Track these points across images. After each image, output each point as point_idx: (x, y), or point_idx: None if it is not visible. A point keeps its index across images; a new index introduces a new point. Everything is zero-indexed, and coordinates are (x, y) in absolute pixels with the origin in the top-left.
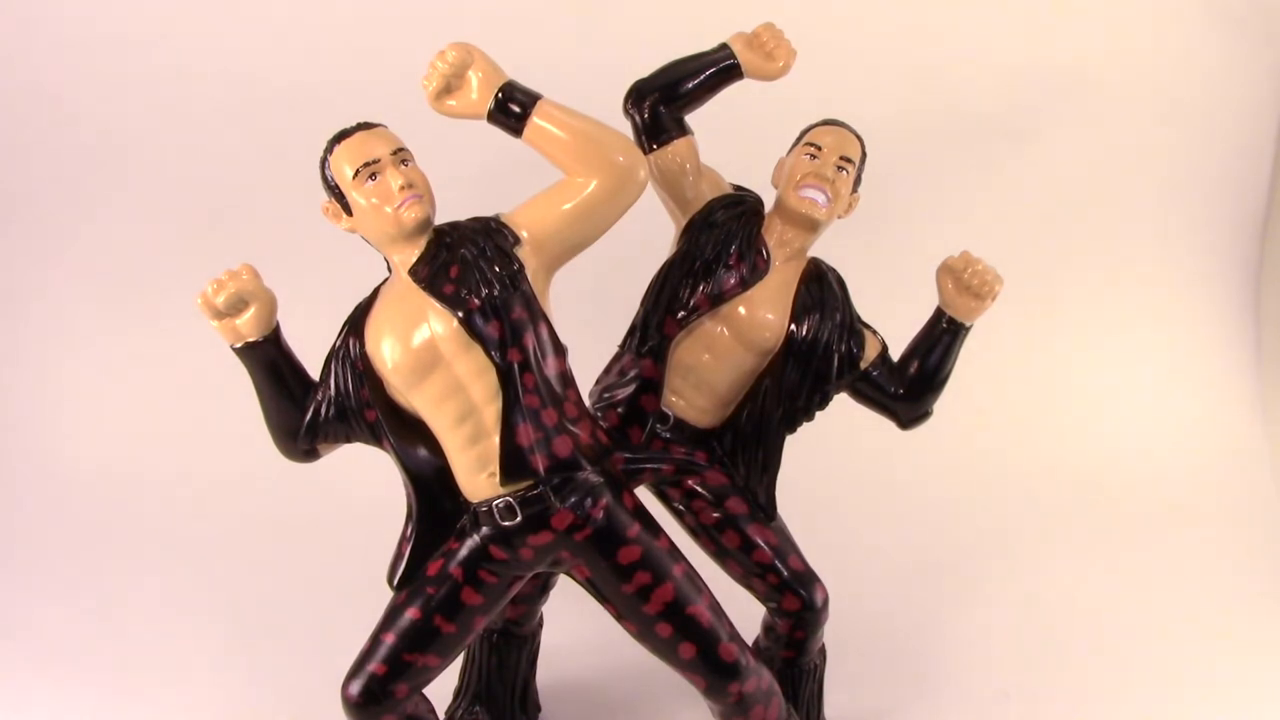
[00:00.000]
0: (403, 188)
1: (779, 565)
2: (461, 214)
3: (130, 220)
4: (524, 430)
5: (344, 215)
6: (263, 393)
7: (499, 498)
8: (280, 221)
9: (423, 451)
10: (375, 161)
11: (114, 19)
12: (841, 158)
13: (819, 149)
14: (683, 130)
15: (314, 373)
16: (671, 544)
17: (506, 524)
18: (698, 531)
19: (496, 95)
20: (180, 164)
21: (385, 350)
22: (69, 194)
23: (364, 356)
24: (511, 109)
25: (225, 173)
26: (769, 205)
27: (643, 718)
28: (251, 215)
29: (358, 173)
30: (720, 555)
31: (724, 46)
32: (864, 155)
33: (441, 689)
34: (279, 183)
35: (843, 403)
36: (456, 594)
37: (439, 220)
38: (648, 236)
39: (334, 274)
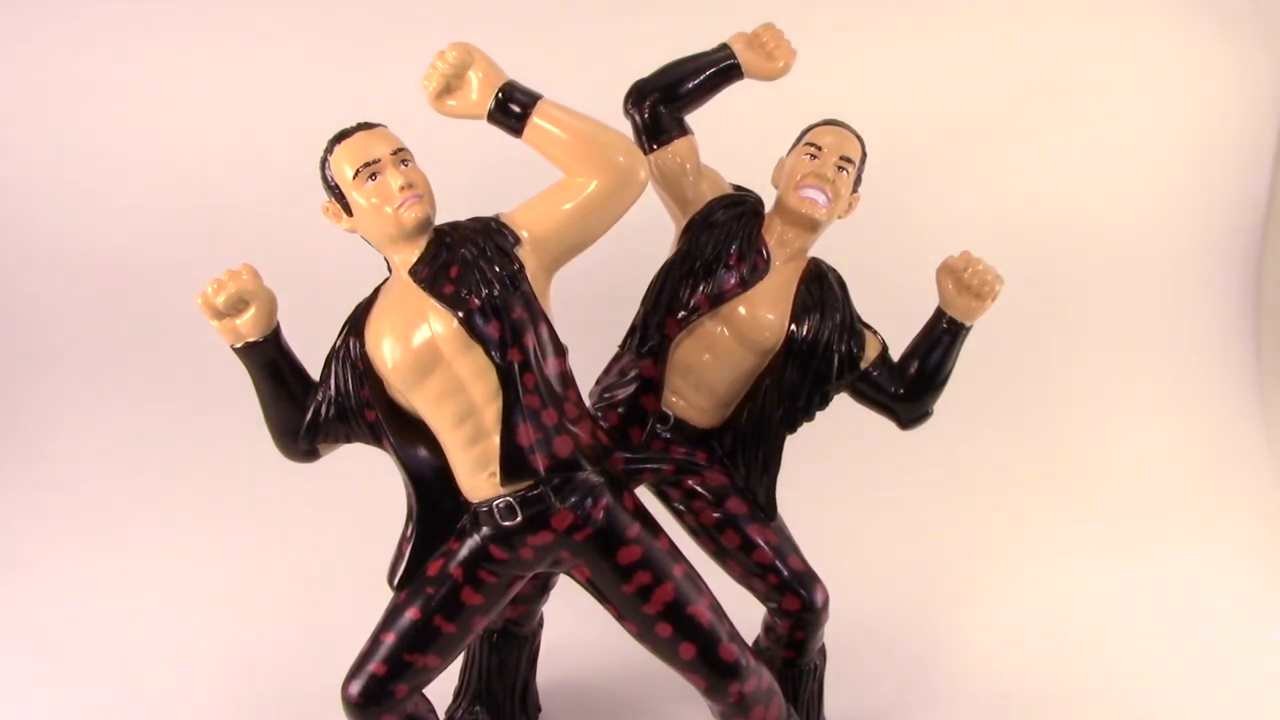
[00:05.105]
0: (403, 188)
1: (779, 565)
2: (461, 214)
3: (130, 221)
4: (524, 430)
5: (344, 215)
6: (263, 393)
7: (499, 498)
8: (280, 221)
9: (423, 451)
10: (375, 161)
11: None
12: (842, 158)
13: (819, 149)
14: (683, 130)
15: (314, 373)
16: (672, 544)
17: (507, 524)
18: (698, 531)
19: (497, 95)
20: (180, 163)
21: (385, 350)
22: (69, 195)
23: (364, 356)
24: (511, 109)
25: (225, 171)
26: (769, 205)
27: (643, 718)
28: (251, 215)
29: (358, 173)
30: (720, 555)
31: (724, 46)
32: (864, 155)
33: (441, 689)
34: (279, 182)
35: (843, 403)
36: (457, 594)
37: (439, 220)
38: (648, 236)
39: (334, 274)
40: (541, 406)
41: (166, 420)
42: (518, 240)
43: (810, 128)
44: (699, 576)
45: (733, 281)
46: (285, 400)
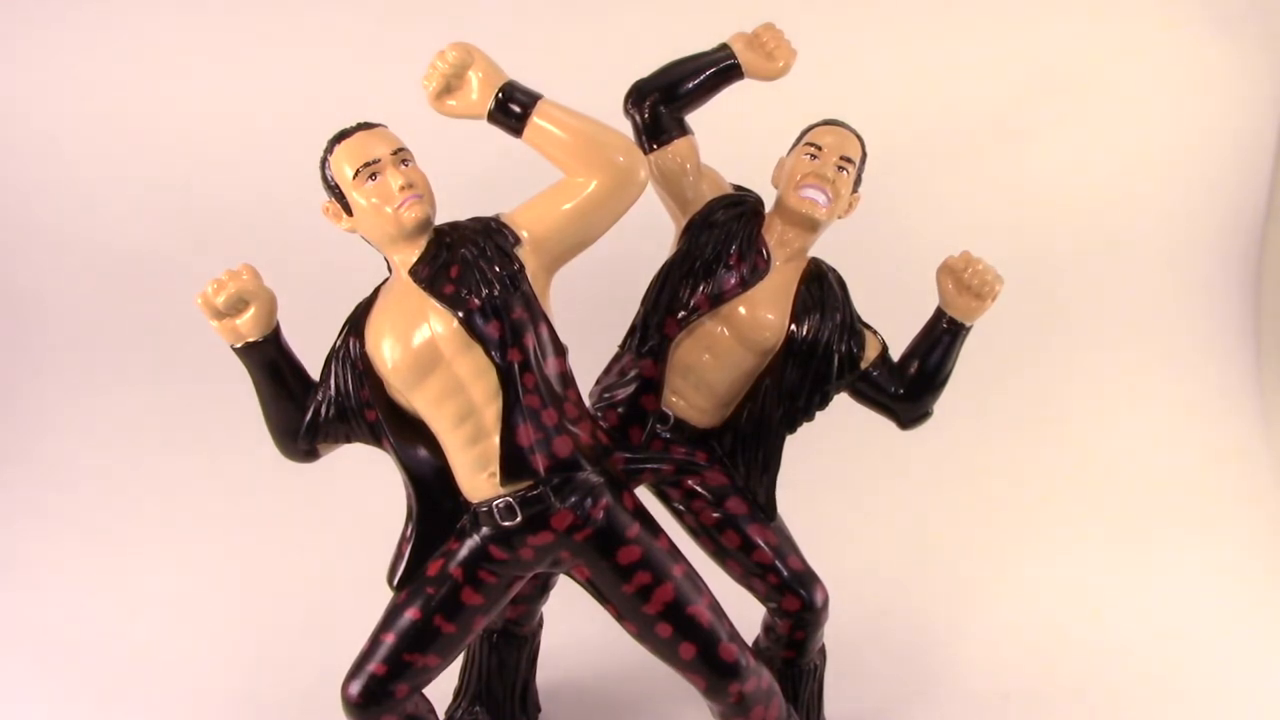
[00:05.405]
0: (403, 188)
1: (779, 565)
2: (461, 214)
3: (129, 221)
4: (524, 430)
5: (344, 215)
6: (263, 393)
7: (499, 498)
8: (280, 221)
9: (423, 451)
10: (375, 161)
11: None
12: (842, 158)
13: (819, 149)
14: (683, 130)
15: (314, 373)
16: (671, 544)
17: (507, 524)
18: (698, 531)
19: (497, 95)
20: (179, 163)
21: (385, 350)
22: (69, 195)
23: (364, 356)
24: (512, 109)
25: (225, 171)
26: (769, 205)
27: (643, 718)
28: (251, 215)
29: (358, 173)
30: (720, 555)
31: (724, 47)
32: (864, 155)
33: (441, 689)
34: (279, 182)
35: (843, 403)
36: (456, 594)
37: (439, 220)
38: (648, 236)
39: (334, 274)
40: (541, 406)
41: (166, 420)
42: (518, 240)
43: (810, 128)
44: (699, 576)
45: (733, 281)
46: (285, 400)
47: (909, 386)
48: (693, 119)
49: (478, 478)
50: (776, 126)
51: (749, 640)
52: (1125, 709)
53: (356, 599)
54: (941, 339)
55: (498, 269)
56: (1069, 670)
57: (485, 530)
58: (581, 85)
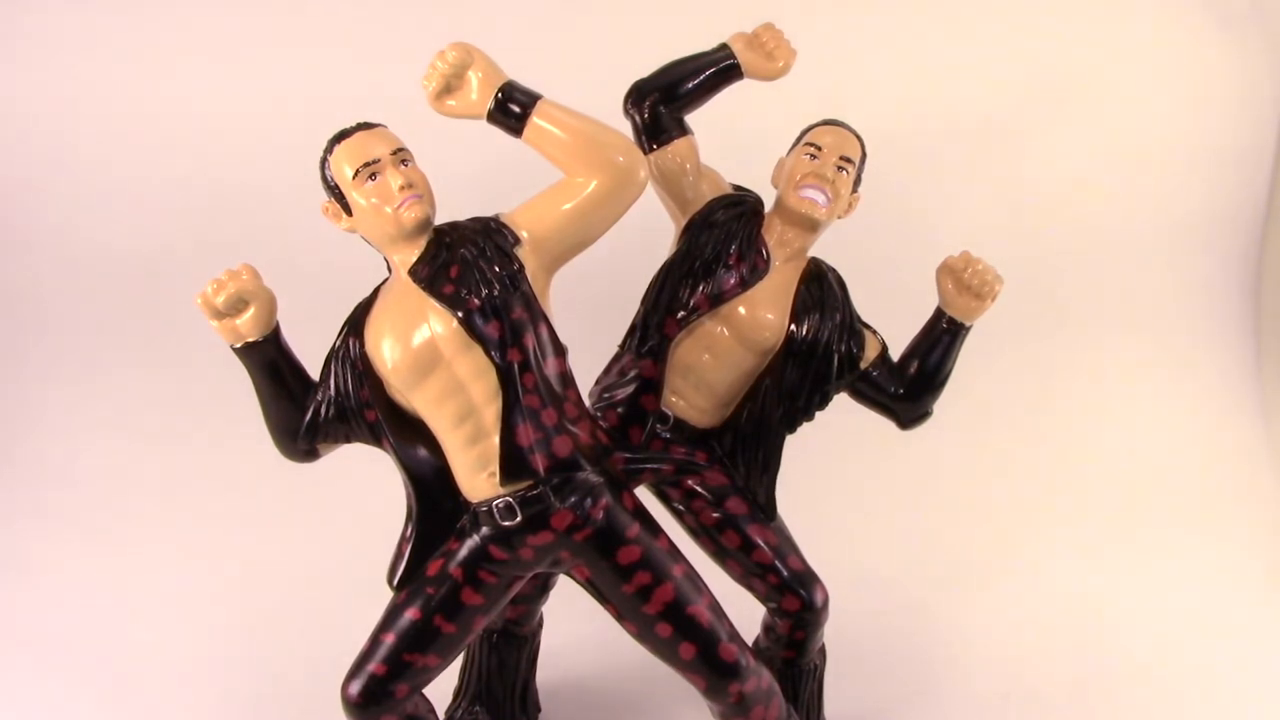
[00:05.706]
0: (403, 188)
1: (779, 565)
2: (461, 214)
3: (130, 221)
4: (524, 430)
5: (344, 215)
6: (262, 393)
7: (499, 498)
8: (279, 221)
9: (423, 451)
10: (375, 161)
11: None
12: (841, 158)
13: (819, 149)
14: (683, 130)
15: (314, 373)
16: (671, 544)
17: (506, 524)
18: (698, 531)
19: (496, 95)
20: (179, 163)
21: (385, 350)
22: (69, 195)
23: (364, 357)
24: (511, 109)
25: (225, 171)
26: (769, 205)
27: (643, 718)
28: (251, 215)
29: (357, 173)
30: (720, 555)
31: (724, 47)
32: (864, 155)
33: (441, 689)
34: (279, 182)
35: (843, 403)
36: (456, 594)
37: (439, 220)
38: (648, 236)
39: (334, 274)
40: (541, 406)
41: (166, 420)
42: (517, 240)
43: (810, 128)
44: (699, 576)
45: (732, 281)
46: (285, 400)
47: (909, 386)
48: (693, 119)
49: (477, 478)
50: (776, 126)
51: (749, 640)
52: (1125, 709)
53: (356, 599)
54: (941, 339)
55: (497, 269)
56: (1069, 670)
57: (485, 530)
58: (581, 85)
